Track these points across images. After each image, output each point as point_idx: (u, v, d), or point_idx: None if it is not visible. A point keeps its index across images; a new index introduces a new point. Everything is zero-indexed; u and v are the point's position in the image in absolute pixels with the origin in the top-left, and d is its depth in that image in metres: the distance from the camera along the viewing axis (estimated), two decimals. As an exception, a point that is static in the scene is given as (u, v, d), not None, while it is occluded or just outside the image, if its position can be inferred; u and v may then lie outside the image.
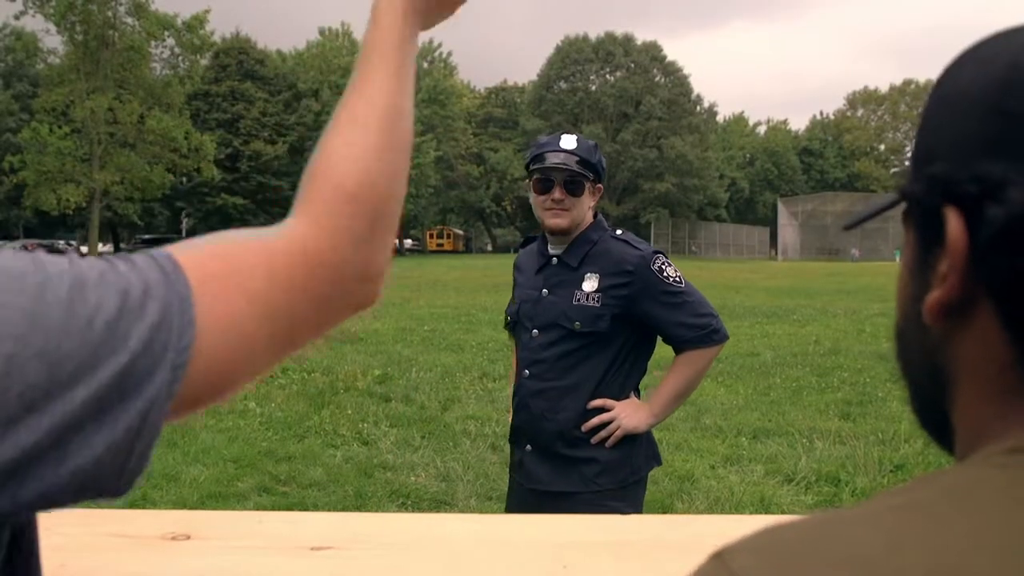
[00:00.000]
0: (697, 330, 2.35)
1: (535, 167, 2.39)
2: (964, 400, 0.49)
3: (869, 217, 0.58)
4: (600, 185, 2.44)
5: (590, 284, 2.34)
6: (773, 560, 0.43)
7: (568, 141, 2.38)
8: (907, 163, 0.54)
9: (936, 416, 0.54)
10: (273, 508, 4.47)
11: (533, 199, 2.42)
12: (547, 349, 2.36)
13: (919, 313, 0.50)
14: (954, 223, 0.46)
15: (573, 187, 2.35)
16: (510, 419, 2.51)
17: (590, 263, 2.36)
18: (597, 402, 2.34)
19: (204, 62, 44.32)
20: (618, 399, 2.37)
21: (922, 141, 0.52)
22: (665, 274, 2.34)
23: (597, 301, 2.33)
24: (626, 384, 2.40)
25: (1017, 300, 0.46)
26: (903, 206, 0.54)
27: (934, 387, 0.52)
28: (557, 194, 2.34)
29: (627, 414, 2.33)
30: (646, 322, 2.36)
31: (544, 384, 2.36)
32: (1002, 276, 0.45)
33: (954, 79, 0.51)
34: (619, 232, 2.44)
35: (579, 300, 2.34)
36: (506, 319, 2.57)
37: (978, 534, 0.41)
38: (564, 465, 2.33)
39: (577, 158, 2.35)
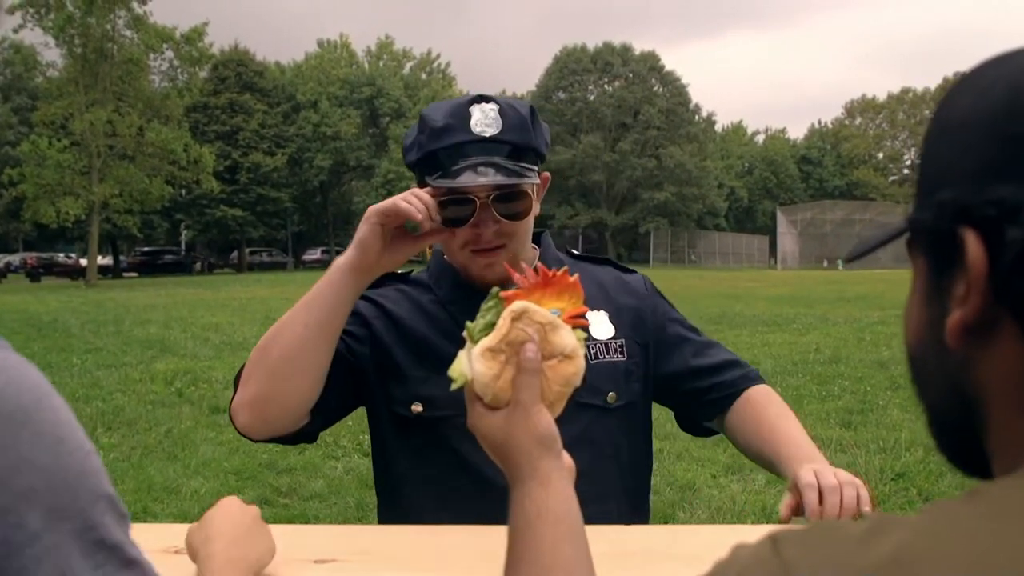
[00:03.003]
0: (746, 366, 1.58)
1: (436, 180, 1.33)
2: (998, 422, 0.50)
3: (872, 249, 0.60)
4: (547, 173, 1.45)
5: (602, 327, 1.46)
6: (822, 557, 0.45)
7: (484, 117, 1.32)
8: (911, 189, 0.54)
9: (960, 440, 0.54)
10: (274, 520, 4.44)
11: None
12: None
13: (937, 339, 0.51)
14: (973, 245, 0.47)
15: (511, 205, 1.34)
16: None
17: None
18: (786, 511, 1.26)
19: (203, 74, 44.43)
20: (642, 510, 1.55)
21: (926, 171, 0.53)
22: (669, 303, 1.60)
23: (621, 351, 1.46)
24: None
25: None
26: (905, 236, 0.55)
27: (959, 411, 0.52)
28: (489, 227, 1.34)
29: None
30: (667, 376, 1.53)
31: None
32: None
33: (953, 108, 0.51)
34: (573, 251, 1.63)
35: (597, 355, 1.43)
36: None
37: None
38: None
39: (508, 145, 1.32)
